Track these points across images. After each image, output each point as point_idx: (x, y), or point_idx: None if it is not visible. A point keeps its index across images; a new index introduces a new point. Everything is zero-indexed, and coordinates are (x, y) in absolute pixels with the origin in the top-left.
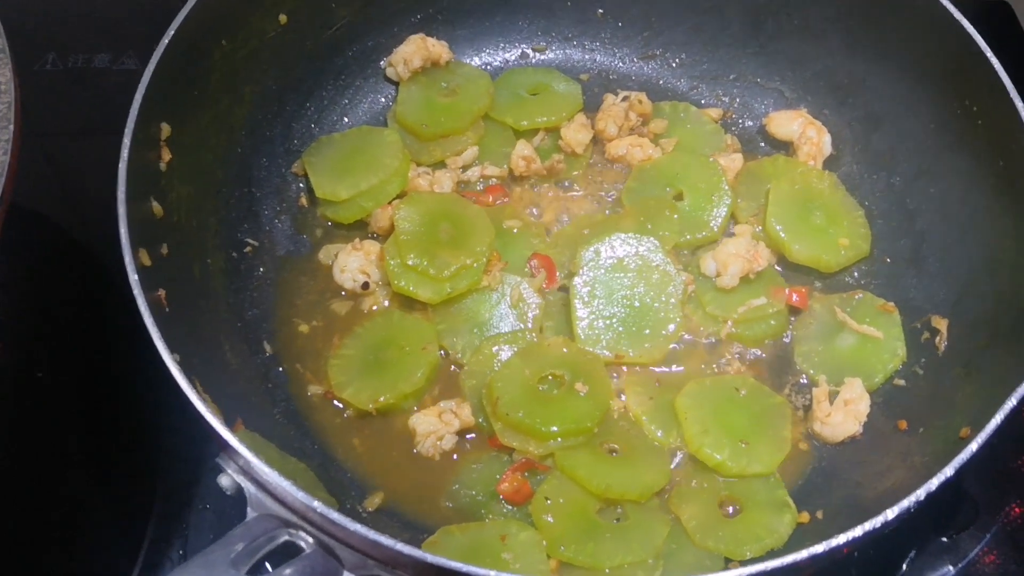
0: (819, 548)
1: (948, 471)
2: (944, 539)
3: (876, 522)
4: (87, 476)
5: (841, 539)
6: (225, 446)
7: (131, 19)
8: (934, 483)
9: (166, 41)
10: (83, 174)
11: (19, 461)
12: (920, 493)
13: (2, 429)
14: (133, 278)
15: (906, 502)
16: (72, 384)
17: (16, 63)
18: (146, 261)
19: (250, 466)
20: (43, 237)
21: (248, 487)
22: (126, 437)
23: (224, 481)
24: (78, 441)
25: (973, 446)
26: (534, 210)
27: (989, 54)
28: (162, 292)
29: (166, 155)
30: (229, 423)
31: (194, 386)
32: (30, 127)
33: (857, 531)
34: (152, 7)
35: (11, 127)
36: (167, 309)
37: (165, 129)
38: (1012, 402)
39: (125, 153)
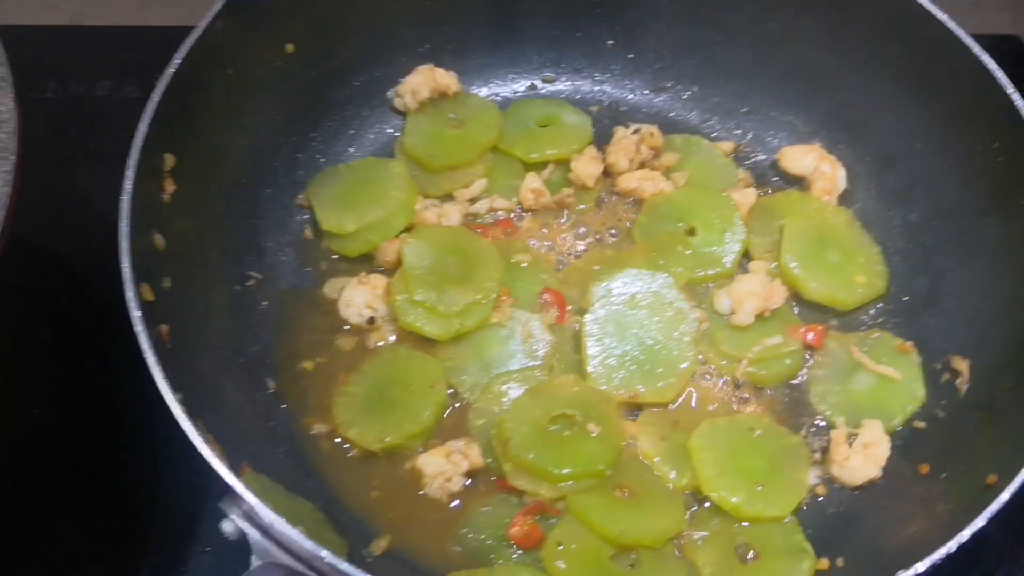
0: None
1: (979, 521)
2: None
3: None
4: (82, 516)
5: None
6: (229, 490)
7: (133, 47)
8: (966, 534)
9: (171, 70)
10: (83, 203)
11: (11, 499)
12: (952, 545)
13: None
14: (135, 315)
15: (937, 554)
16: (68, 421)
17: (18, 90)
18: (148, 296)
19: (255, 512)
20: (40, 267)
21: (252, 534)
22: (123, 476)
23: (227, 527)
24: (73, 480)
25: (1004, 496)
26: (544, 244)
27: (1011, 89)
28: (164, 327)
29: (170, 186)
30: (234, 466)
31: (197, 426)
32: (29, 154)
33: None
34: (154, 36)
35: (12, 157)
36: (168, 345)
37: (169, 160)
38: None
39: (128, 185)
